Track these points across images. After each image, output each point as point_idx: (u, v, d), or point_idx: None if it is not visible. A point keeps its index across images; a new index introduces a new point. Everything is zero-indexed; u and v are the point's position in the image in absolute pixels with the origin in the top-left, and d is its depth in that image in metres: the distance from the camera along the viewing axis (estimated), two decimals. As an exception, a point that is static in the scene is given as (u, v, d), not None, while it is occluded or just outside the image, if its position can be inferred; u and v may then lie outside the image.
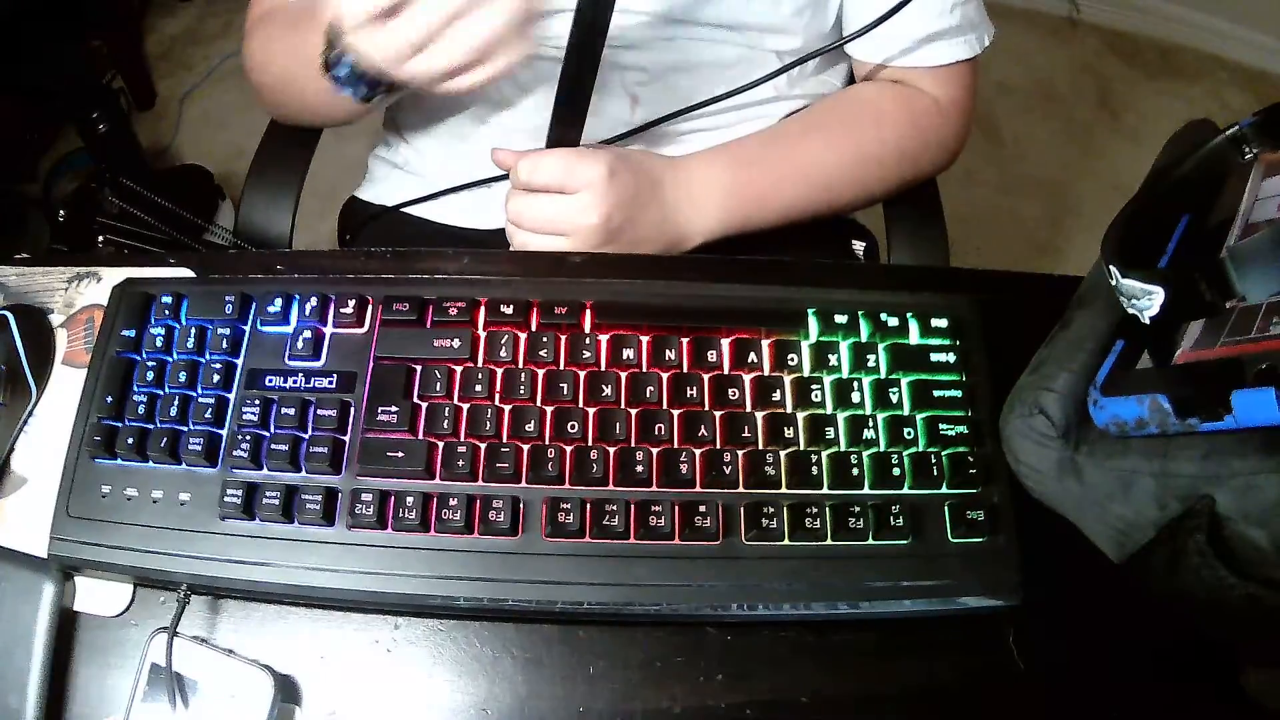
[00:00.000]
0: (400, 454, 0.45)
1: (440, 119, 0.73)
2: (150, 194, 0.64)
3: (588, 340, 0.48)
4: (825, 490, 0.46)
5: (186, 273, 0.53)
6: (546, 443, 0.46)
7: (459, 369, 0.48)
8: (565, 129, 0.58)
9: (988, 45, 0.67)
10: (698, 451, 0.46)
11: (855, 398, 0.48)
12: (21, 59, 1.44)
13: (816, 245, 0.74)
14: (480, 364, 0.48)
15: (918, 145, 0.68)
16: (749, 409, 0.47)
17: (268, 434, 0.46)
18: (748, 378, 0.48)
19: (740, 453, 0.46)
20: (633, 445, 0.46)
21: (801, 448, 0.46)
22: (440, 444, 0.46)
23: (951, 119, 0.68)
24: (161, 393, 0.47)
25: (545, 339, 0.48)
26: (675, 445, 0.46)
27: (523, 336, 0.48)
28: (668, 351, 0.48)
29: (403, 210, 0.76)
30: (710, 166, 0.62)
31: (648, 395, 0.47)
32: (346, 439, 0.46)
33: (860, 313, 0.50)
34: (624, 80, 0.65)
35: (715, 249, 0.64)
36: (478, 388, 0.47)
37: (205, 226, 0.63)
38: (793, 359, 0.48)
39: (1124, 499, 0.42)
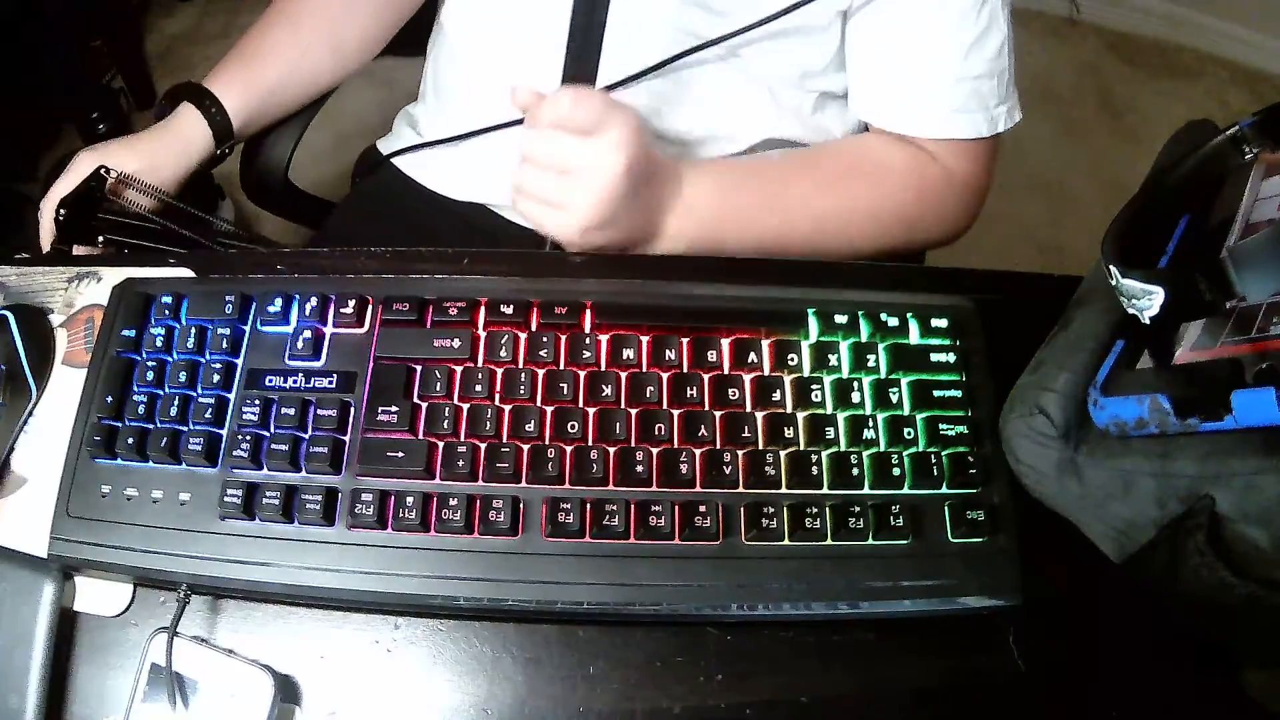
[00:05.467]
0: (400, 454, 0.45)
1: (462, 77, 0.74)
2: (150, 186, 0.64)
3: (588, 340, 0.48)
4: (825, 490, 0.46)
5: (186, 273, 0.53)
6: (546, 443, 0.46)
7: (459, 369, 0.47)
8: (581, 65, 0.56)
9: (1008, 128, 0.62)
10: (698, 451, 0.46)
11: (855, 398, 0.48)
12: (22, 58, 1.44)
13: None
14: (480, 364, 0.48)
15: (917, 212, 0.64)
16: (749, 409, 0.47)
17: (268, 434, 0.46)
18: (748, 378, 0.48)
19: (740, 453, 0.46)
20: (633, 445, 0.46)
21: (801, 448, 0.46)
22: (440, 444, 0.46)
23: (959, 194, 0.64)
24: (161, 393, 0.47)
25: (545, 339, 0.48)
26: (675, 445, 0.46)
27: (523, 336, 0.48)
28: (668, 351, 0.48)
29: (410, 177, 0.78)
30: (702, 176, 0.60)
31: (648, 395, 0.47)
32: (346, 439, 0.46)
33: (860, 313, 0.50)
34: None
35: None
36: (478, 388, 0.47)
37: (206, 219, 0.63)
38: (793, 359, 0.48)
39: (1124, 499, 0.42)
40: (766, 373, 0.48)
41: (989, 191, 0.66)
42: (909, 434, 0.47)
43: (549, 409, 0.47)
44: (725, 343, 0.49)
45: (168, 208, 0.65)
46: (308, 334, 0.48)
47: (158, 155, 0.67)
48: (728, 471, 0.45)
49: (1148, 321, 0.39)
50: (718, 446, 0.46)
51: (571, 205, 0.54)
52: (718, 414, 0.47)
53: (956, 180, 0.64)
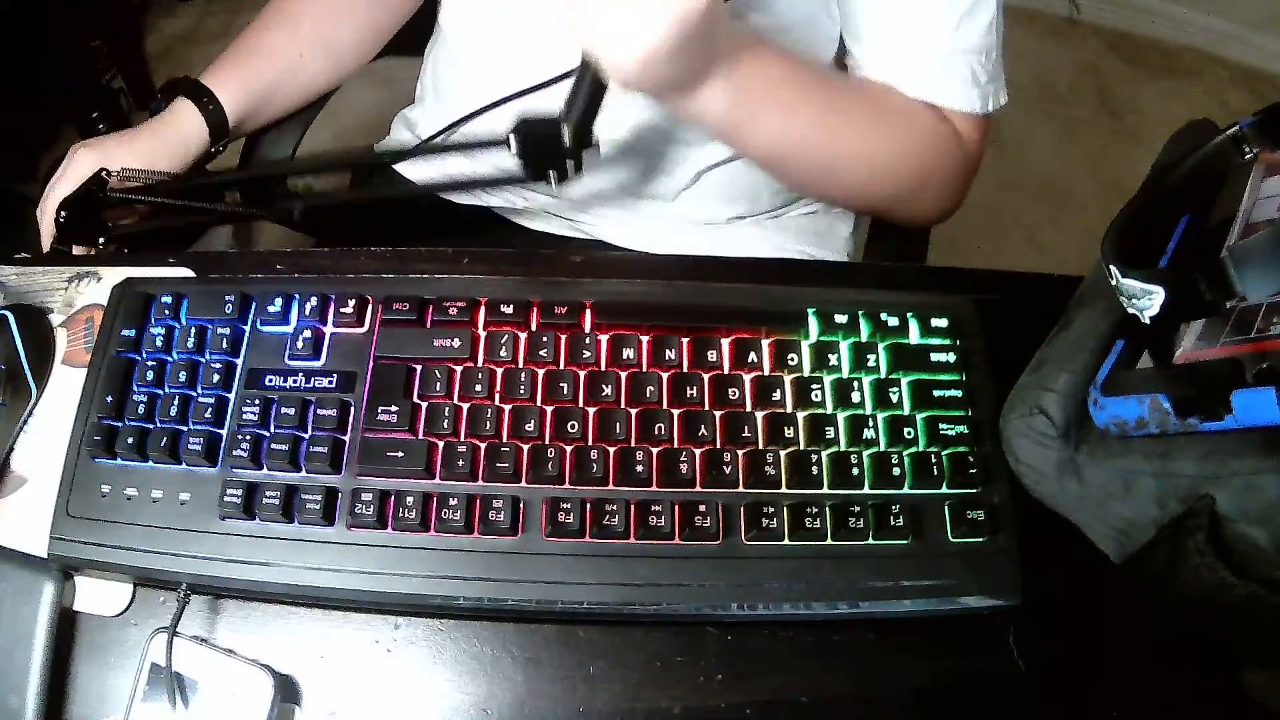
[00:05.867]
0: (400, 454, 0.45)
1: (462, 79, 0.73)
2: (153, 173, 0.64)
3: (588, 340, 0.48)
4: (825, 490, 0.46)
5: (186, 272, 0.53)
6: (546, 442, 0.46)
7: (459, 369, 0.47)
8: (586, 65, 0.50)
9: (997, 108, 0.62)
10: (698, 451, 0.46)
11: (855, 397, 0.48)
12: (22, 58, 1.44)
13: None
14: (480, 364, 0.48)
15: (931, 162, 0.63)
16: (749, 409, 0.47)
17: (268, 434, 0.46)
18: (748, 377, 0.48)
19: (740, 452, 0.46)
20: (633, 445, 0.46)
21: (802, 447, 0.46)
22: (440, 444, 0.46)
23: (963, 158, 0.64)
24: (161, 392, 0.47)
25: (545, 339, 0.48)
26: (675, 445, 0.46)
27: (523, 336, 0.48)
28: (668, 351, 0.48)
29: (407, 178, 0.77)
30: (761, 51, 0.54)
31: (648, 395, 0.47)
32: (346, 439, 0.46)
33: (860, 313, 0.50)
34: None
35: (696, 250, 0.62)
36: (478, 388, 0.47)
37: (207, 188, 0.63)
38: (793, 359, 0.48)
39: (1124, 499, 0.42)
40: (766, 372, 0.48)
41: (979, 163, 0.67)
42: (909, 434, 0.47)
43: (549, 409, 0.47)
44: (725, 342, 0.49)
45: (173, 190, 0.65)
46: (308, 334, 0.48)
47: (155, 151, 0.66)
48: (728, 471, 0.45)
49: (1148, 321, 0.39)
50: (718, 446, 0.46)
51: (640, 24, 0.45)
52: (718, 414, 0.47)
53: (962, 142, 0.64)
